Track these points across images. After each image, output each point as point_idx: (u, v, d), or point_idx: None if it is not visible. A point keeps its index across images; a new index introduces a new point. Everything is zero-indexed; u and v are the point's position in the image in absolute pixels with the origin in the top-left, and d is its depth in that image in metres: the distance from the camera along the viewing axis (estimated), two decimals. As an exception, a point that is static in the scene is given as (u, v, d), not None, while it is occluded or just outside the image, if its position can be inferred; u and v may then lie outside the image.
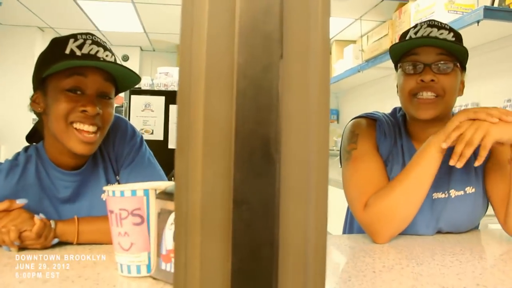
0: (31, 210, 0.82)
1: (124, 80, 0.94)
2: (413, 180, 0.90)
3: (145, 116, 2.69)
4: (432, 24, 0.99)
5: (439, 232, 1.00)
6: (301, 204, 0.40)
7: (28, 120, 4.04)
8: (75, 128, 0.86)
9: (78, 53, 0.87)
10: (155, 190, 0.63)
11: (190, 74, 0.40)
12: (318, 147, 0.40)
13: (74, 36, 0.89)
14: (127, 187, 0.63)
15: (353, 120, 1.10)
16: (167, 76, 2.89)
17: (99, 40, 0.91)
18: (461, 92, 1.02)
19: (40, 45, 4.29)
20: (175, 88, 2.88)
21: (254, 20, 0.38)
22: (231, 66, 0.39)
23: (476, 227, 1.07)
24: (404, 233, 0.97)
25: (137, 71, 4.90)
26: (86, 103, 0.86)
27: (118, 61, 0.93)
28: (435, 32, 0.98)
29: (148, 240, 0.63)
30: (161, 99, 2.66)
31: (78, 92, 0.87)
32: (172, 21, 3.88)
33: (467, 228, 1.02)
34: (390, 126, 1.06)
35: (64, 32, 4.41)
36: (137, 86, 3.36)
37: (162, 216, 0.62)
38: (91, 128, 0.86)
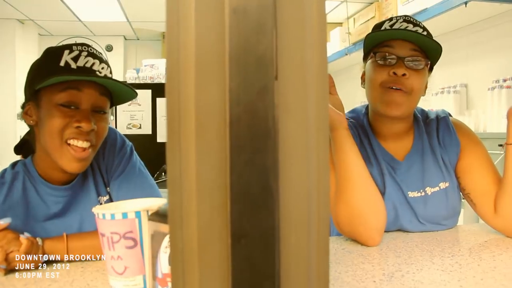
0: (18, 229, 0.79)
1: (120, 95, 0.92)
2: (342, 170, 0.90)
3: (132, 111, 2.64)
4: (408, 20, 0.99)
5: (424, 228, 0.99)
6: (303, 235, 0.38)
7: (13, 116, 3.96)
8: (69, 144, 0.83)
9: (73, 65, 0.84)
10: (147, 211, 0.61)
11: (179, 103, 0.37)
12: (318, 173, 0.38)
13: (69, 47, 0.86)
14: (118, 210, 0.60)
15: None
16: (152, 68, 2.83)
17: (95, 52, 0.88)
18: (424, 92, 1.02)
19: (21, 39, 4.19)
20: (162, 81, 2.82)
21: (245, 40, 0.36)
22: (223, 92, 0.36)
23: (457, 219, 1.06)
24: (390, 229, 0.98)
25: (121, 61, 4.85)
26: (81, 118, 0.83)
27: (112, 73, 0.91)
28: (411, 28, 0.97)
29: (143, 263, 0.61)
30: (148, 92, 2.61)
31: (72, 107, 0.84)
32: (155, 9, 3.81)
33: (450, 220, 1.02)
34: (352, 127, 1.04)
35: (45, 24, 4.33)
36: (122, 79, 3.30)
37: (156, 238, 0.60)
38: (85, 144, 0.84)
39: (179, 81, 0.36)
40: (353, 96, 4.04)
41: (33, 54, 4.49)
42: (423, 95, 1.01)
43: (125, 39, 5.04)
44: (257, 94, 0.36)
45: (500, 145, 2.16)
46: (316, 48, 0.38)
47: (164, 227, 0.60)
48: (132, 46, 5.13)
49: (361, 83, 1.07)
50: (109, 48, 4.89)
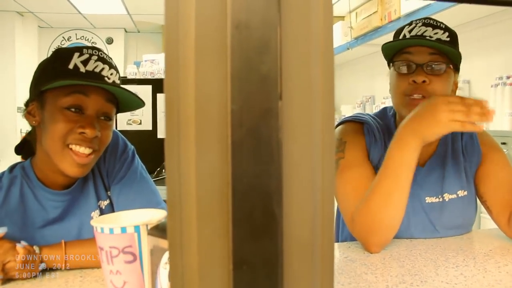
0: (15, 236, 0.78)
1: (127, 103, 0.90)
2: (392, 179, 0.86)
3: (133, 106, 2.62)
4: (427, 22, 0.97)
5: (436, 235, 0.98)
6: (306, 261, 0.37)
7: (13, 110, 3.95)
8: (71, 149, 0.82)
9: (82, 69, 0.82)
10: (147, 225, 0.59)
11: (178, 125, 0.35)
12: (323, 199, 0.37)
13: (80, 50, 0.84)
14: (117, 224, 0.59)
15: (339, 126, 1.06)
16: (153, 63, 2.81)
17: (105, 57, 0.86)
18: (453, 93, 1.00)
19: (20, 31, 4.16)
20: (162, 76, 2.79)
21: (248, 58, 0.34)
22: (225, 114, 0.35)
23: (470, 228, 1.05)
24: (400, 237, 0.96)
25: (122, 54, 4.82)
26: (85, 124, 0.81)
27: (120, 79, 0.89)
28: (429, 32, 0.95)
29: (142, 278, 0.60)
30: (148, 88, 2.59)
31: (78, 112, 0.83)
32: (155, 2, 3.77)
33: (464, 230, 1.02)
34: (379, 129, 1.03)
35: (45, 17, 4.31)
36: (122, 75, 3.28)
37: (155, 253, 0.59)
38: (87, 151, 0.82)
39: (179, 102, 0.35)
40: (355, 89, 4.02)
41: (33, 46, 4.47)
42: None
43: (126, 31, 5.01)
44: (261, 116, 0.34)
45: (503, 143, 2.14)
46: (322, 67, 0.36)
47: (163, 242, 0.58)
48: (132, 38, 5.10)
49: (389, 90, 1.06)
50: (110, 41, 4.86)
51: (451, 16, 2.47)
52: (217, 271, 0.35)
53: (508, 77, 2.34)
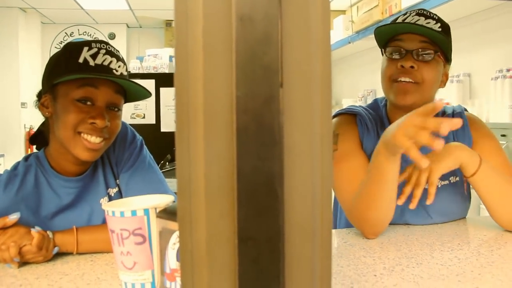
0: (30, 221, 0.82)
1: (134, 94, 0.95)
2: (376, 185, 0.88)
3: (136, 100, 2.65)
4: (421, 13, 1.00)
5: (430, 221, 1.01)
6: (307, 238, 0.40)
7: (17, 105, 3.98)
8: (82, 137, 0.86)
9: (91, 63, 0.86)
10: (155, 208, 0.63)
11: (188, 112, 0.38)
12: (322, 179, 0.40)
13: (89, 44, 0.89)
14: (127, 207, 0.62)
15: (333, 119, 1.09)
16: (156, 58, 2.84)
17: (112, 50, 0.91)
18: (443, 84, 1.03)
19: (23, 27, 4.19)
20: (165, 70, 2.82)
21: (251, 48, 0.37)
22: (230, 100, 0.38)
23: (465, 213, 1.08)
24: (395, 223, 0.99)
25: (124, 49, 4.84)
26: (96, 115, 0.86)
27: (128, 70, 0.93)
28: (421, 21, 0.98)
29: (151, 258, 0.63)
30: (151, 82, 2.62)
31: (88, 103, 0.87)
32: (158, -3, 3.80)
33: (457, 216, 1.05)
34: (371, 119, 1.06)
35: (48, 13, 4.31)
36: (126, 69, 3.31)
37: (164, 235, 0.62)
38: (98, 140, 0.87)
39: (188, 92, 0.38)
40: (356, 83, 4.04)
41: (36, 42, 4.50)
42: (442, 87, 1.02)
43: (128, 27, 5.03)
44: (263, 102, 0.37)
45: (503, 135, 2.17)
46: (321, 56, 0.39)
47: (171, 224, 0.62)
48: (135, 34, 5.12)
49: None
50: (112, 36, 4.89)
51: (451, 9, 2.49)
52: (224, 247, 0.39)
53: (508, 70, 2.36)
